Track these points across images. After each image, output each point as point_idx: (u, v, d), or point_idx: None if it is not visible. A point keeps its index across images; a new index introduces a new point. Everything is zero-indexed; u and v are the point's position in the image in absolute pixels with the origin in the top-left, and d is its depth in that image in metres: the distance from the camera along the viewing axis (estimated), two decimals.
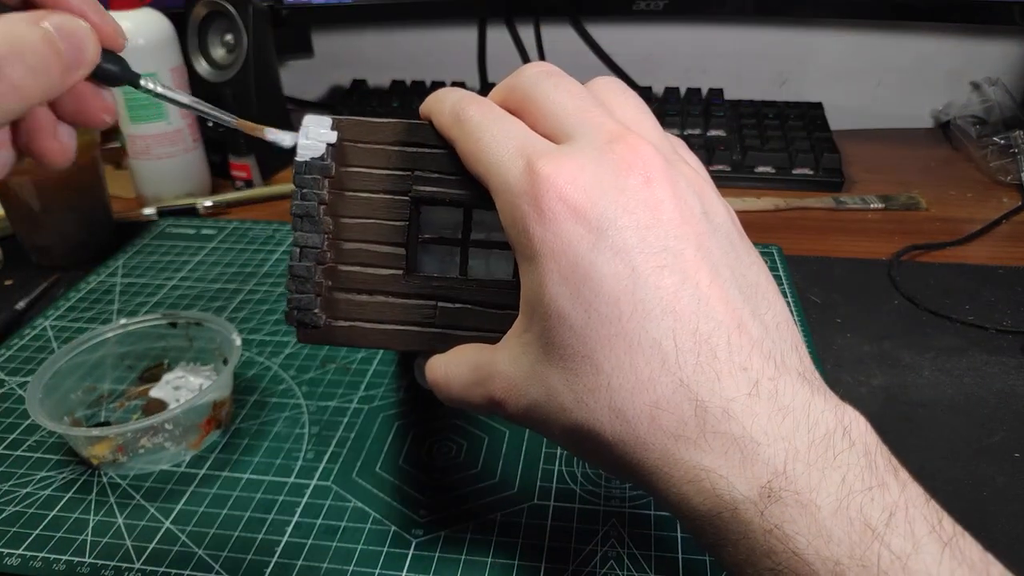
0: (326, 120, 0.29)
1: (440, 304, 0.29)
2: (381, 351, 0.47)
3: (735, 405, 0.22)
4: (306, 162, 0.29)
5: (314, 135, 0.29)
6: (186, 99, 0.29)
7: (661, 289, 0.22)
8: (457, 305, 0.29)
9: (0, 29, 0.22)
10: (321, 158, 0.29)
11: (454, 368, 0.28)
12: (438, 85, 0.84)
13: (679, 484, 0.22)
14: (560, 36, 0.85)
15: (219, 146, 0.71)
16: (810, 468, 0.21)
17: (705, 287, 0.23)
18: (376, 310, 0.30)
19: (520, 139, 0.25)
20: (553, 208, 0.23)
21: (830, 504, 0.21)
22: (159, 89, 0.28)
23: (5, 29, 0.22)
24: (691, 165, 0.26)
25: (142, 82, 0.28)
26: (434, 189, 0.29)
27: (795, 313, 0.48)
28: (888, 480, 0.21)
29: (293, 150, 0.30)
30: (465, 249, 0.30)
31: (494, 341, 0.27)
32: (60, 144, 0.26)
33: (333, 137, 0.29)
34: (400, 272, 0.29)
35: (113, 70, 0.26)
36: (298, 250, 0.29)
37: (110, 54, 0.26)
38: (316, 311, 0.29)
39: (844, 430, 0.22)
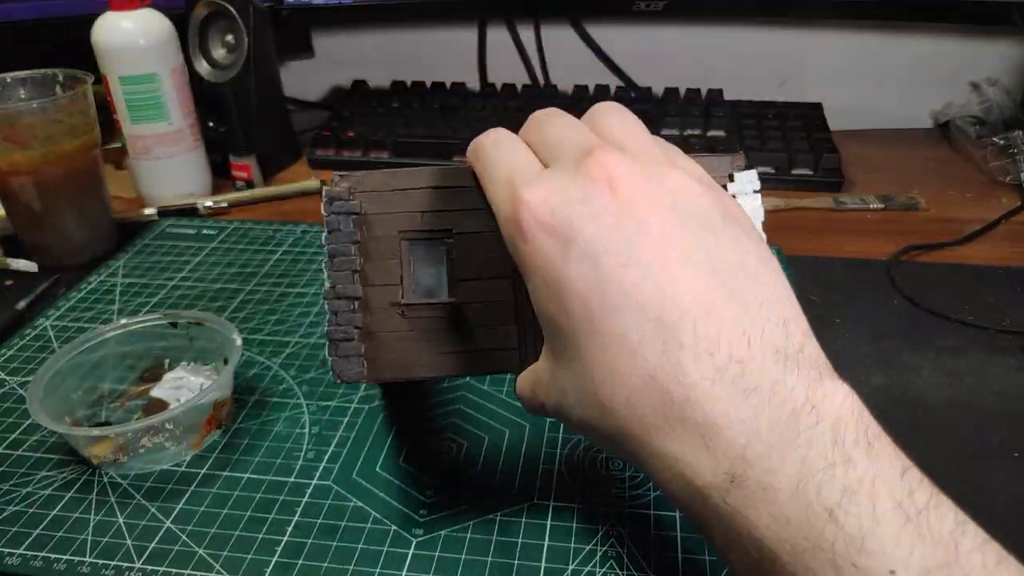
0: (343, 190, 0.31)
1: (447, 327, 0.31)
2: None
3: (697, 392, 0.22)
4: (333, 232, 0.31)
5: (339, 208, 0.30)
6: None
7: (624, 283, 0.23)
8: (456, 327, 0.31)
9: None
10: (349, 233, 0.31)
11: (522, 380, 0.30)
12: (438, 85, 0.84)
13: (659, 472, 0.24)
14: (560, 36, 0.85)
15: (220, 146, 0.71)
16: (771, 449, 0.21)
17: (670, 278, 0.23)
18: (405, 342, 0.31)
19: (511, 167, 0.27)
20: (531, 228, 0.25)
21: (788, 486, 0.21)
22: None
23: None
24: (680, 165, 0.27)
25: None
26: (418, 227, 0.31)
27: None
28: (855, 455, 0.21)
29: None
30: (453, 274, 0.31)
31: (504, 357, 0.31)
32: None
33: (356, 205, 0.31)
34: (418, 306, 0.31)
35: None
36: (334, 316, 0.31)
37: None
38: (361, 367, 0.31)
39: (813, 407, 0.22)
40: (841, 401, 0.22)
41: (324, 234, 0.31)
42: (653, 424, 0.23)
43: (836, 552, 0.20)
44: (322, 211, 0.31)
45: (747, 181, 0.31)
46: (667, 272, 0.23)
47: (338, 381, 0.31)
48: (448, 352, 0.31)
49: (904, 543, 0.19)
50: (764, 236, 0.29)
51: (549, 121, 0.29)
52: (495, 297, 0.31)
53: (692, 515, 0.24)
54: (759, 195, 0.30)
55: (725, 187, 0.30)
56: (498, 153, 0.28)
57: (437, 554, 0.33)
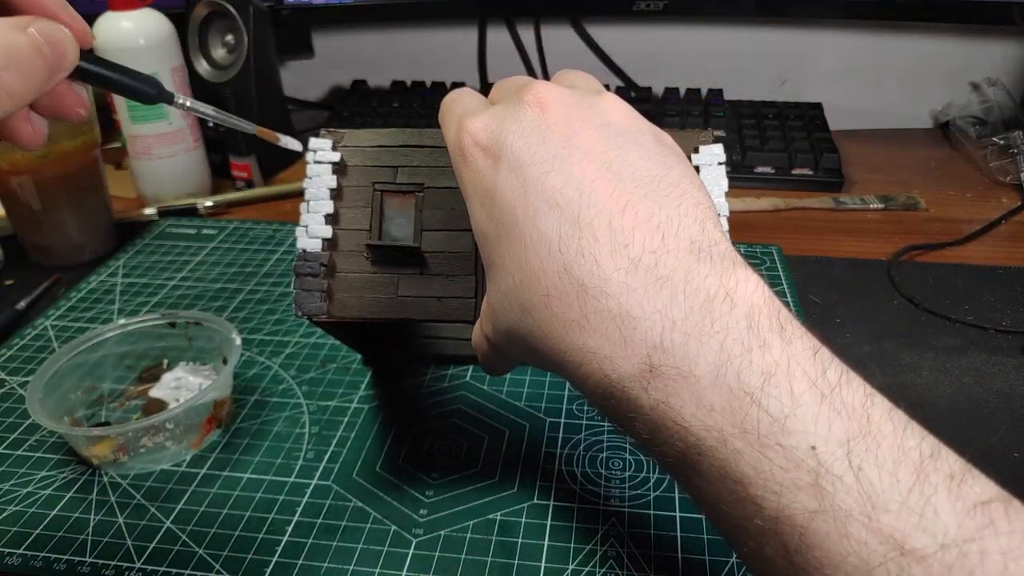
0: (327, 142, 0.34)
1: (404, 273, 0.33)
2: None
3: (611, 284, 0.23)
4: (313, 178, 0.34)
5: (321, 158, 0.34)
6: (210, 111, 0.32)
7: (547, 189, 0.25)
8: (419, 274, 0.33)
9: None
10: (330, 173, 0.34)
11: (475, 328, 0.31)
12: (438, 85, 0.84)
13: (575, 368, 0.24)
14: (560, 36, 0.85)
15: (219, 146, 0.71)
16: (688, 338, 0.22)
17: (589, 181, 0.24)
18: (362, 286, 0.34)
19: (463, 107, 0.30)
20: (470, 150, 0.27)
21: (708, 373, 0.21)
22: (189, 104, 0.31)
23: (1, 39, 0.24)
24: (611, 96, 0.28)
25: (177, 100, 0.30)
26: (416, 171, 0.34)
27: (794, 313, 0.48)
28: (770, 340, 0.22)
29: (298, 153, 0.35)
30: (418, 216, 0.33)
31: (461, 306, 0.33)
32: (33, 128, 0.28)
33: (337, 157, 0.34)
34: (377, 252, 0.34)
35: (146, 91, 0.29)
36: (303, 252, 0.33)
37: (147, 77, 0.29)
38: (321, 302, 0.33)
39: (727, 294, 0.22)
40: (754, 288, 0.22)
41: (305, 179, 0.34)
42: (570, 319, 0.23)
43: (761, 433, 0.20)
44: (305, 159, 0.34)
45: (712, 154, 0.32)
46: (587, 177, 0.25)
47: (298, 315, 0.33)
48: (408, 297, 0.33)
49: (822, 419, 0.20)
50: (726, 207, 0.31)
51: (509, 77, 0.31)
52: (457, 248, 0.33)
53: (612, 412, 0.24)
54: (723, 167, 0.32)
55: (690, 158, 0.32)
56: (455, 102, 0.31)
57: (437, 554, 0.33)
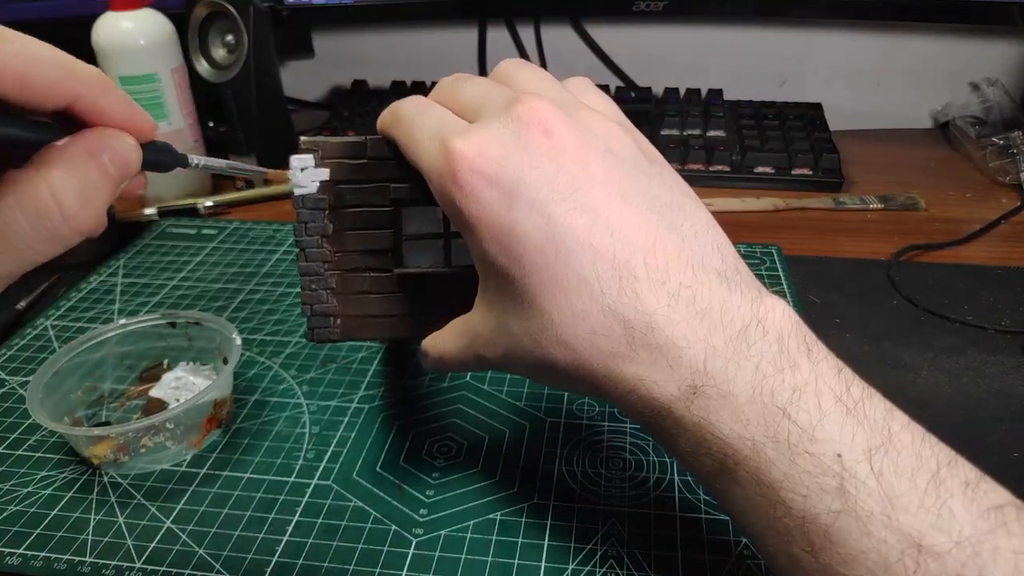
0: (309, 159, 0.32)
1: (428, 294, 0.33)
2: (382, 350, 0.47)
3: (656, 318, 0.24)
4: (302, 197, 0.32)
5: (307, 176, 0.32)
6: (223, 164, 0.32)
7: (576, 229, 0.25)
8: (443, 292, 0.33)
9: (75, 182, 0.23)
10: (315, 194, 0.32)
11: (447, 341, 0.31)
12: None
13: (624, 395, 0.25)
14: (560, 36, 0.85)
15: (220, 146, 0.71)
16: (727, 362, 0.24)
17: (616, 218, 0.25)
18: (377, 306, 0.33)
19: (438, 123, 0.28)
20: (469, 181, 0.26)
21: (745, 392, 0.23)
22: (202, 164, 0.31)
23: (78, 181, 0.23)
24: (596, 108, 0.28)
25: (191, 161, 0.30)
26: (405, 189, 0.32)
27: None
28: (799, 360, 0.24)
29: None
30: (448, 241, 0.33)
31: None
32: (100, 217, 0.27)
33: (325, 174, 0.32)
34: (389, 273, 0.33)
35: (163, 160, 0.28)
36: (307, 280, 0.33)
37: (160, 146, 0.28)
38: (333, 327, 0.33)
39: (759, 322, 0.24)
40: (781, 314, 0.25)
41: (293, 197, 0.32)
42: (616, 352, 0.25)
43: (791, 443, 0.23)
44: (289, 176, 0.32)
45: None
46: (612, 213, 0.25)
47: (311, 341, 0.33)
48: (424, 315, 0.33)
49: (847, 430, 0.22)
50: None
51: (459, 83, 0.30)
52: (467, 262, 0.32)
53: (658, 428, 0.26)
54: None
55: None
56: (419, 117, 0.29)
57: (437, 554, 0.33)
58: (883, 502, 0.21)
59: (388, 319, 0.33)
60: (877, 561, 0.21)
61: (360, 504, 0.36)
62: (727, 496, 0.25)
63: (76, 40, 0.62)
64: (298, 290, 0.53)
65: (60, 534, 0.35)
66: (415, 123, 0.29)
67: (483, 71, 0.88)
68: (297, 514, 0.36)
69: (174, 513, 0.36)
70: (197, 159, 0.30)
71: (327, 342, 0.34)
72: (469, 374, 0.45)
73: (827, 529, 0.22)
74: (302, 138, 0.32)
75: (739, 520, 0.25)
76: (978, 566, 0.20)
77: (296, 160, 0.32)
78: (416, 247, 0.33)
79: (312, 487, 0.37)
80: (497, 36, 0.87)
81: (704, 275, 0.25)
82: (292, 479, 0.38)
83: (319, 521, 0.35)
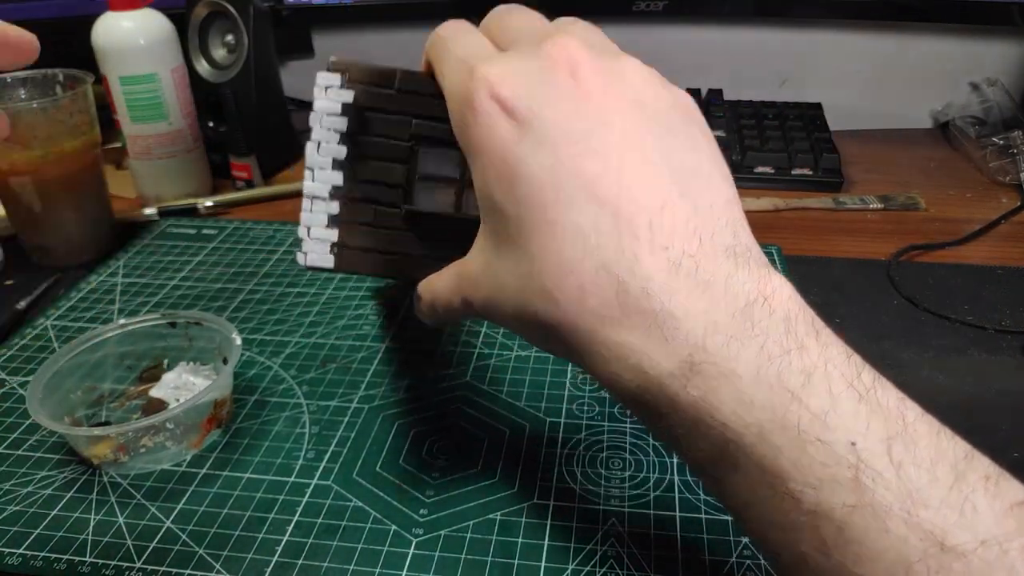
0: (335, 78, 0.31)
1: (433, 237, 0.32)
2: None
3: (653, 284, 0.22)
4: (321, 116, 0.31)
5: (330, 96, 0.31)
6: None
7: (583, 176, 0.23)
8: (447, 237, 0.31)
9: None
10: (335, 114, 0.31)
11: (439, 283, 0.30)
12: None
13: (609, 363, 0.23)
14: None
15: (220, 146, 0.71)
16: (729, 339, 0.22)
17: (628, 172, 0.23)
18: (379, 240, 0.32)
19: (470, 47, 0.27)
20: (485, 106, 0.24)
21: (749, 372, 0.21)
22: None
23: None
24: (632, 60, 0.27)
25: None
26: (428, 126, 0.31)
27: None
28: (807, 343, 0.22)
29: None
30: (462, 188, 0.32)
31: None
32: None
33: (349, 97, 0.31)
34: (398, 209, 0.32)
35: None
36: (310, 201, 0.31)
37: None
38: (329, 248, 0.32)
39: (764, 299, 0.22)
40: (788, 295, 0.23)
41: (311, 115, 0.31)
42: (606, 315, 0.23)
43: (801, 429, 0.21)
44: (314, 95, 0.31)
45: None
46: (625, 167, 0.23)
47: (303, 265, 0.32)
48: (429, 257, 0.32)
49: (861, 418, 0.21)
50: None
51: (509, 12, 0.29)
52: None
53: (645, 407, 0.24)
54: None
55: None
56: (454, 40, 0.28)
57: (437, 554, 0.33)
58: (902, 496, 0.20)
59: (388, 256, 0.32)
60: (896, 561, 0.19)
61: (360, 504, 0.36)
62: (725, 485, 0.23)
63: (76, 40, 0.63)
64: (299, 290, 0.54)
65: (60, 534, 0.35)
66: (448, 45, 0.28)
67: None
68: (297, 514, 0.36)
69: (174, 513, 0.36)
70: None
71: (321, 271, 0.32)
72: (469, 374, 0.45)
73: (841, 525, 0.20)
74: (332, 58, 0.31)
75: (738, 513, 0.23)
76: (1006, 567, 0.18)
77: (322, 78, 0.31)
78: (427, 191, 0.32)
79: (312, 487, 0.37)
80: None
81: (711, 248, 0.23)
82: (292, 479, 0.38)
83: (319, 521, 0.35)
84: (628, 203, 0.23)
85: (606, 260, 0.23)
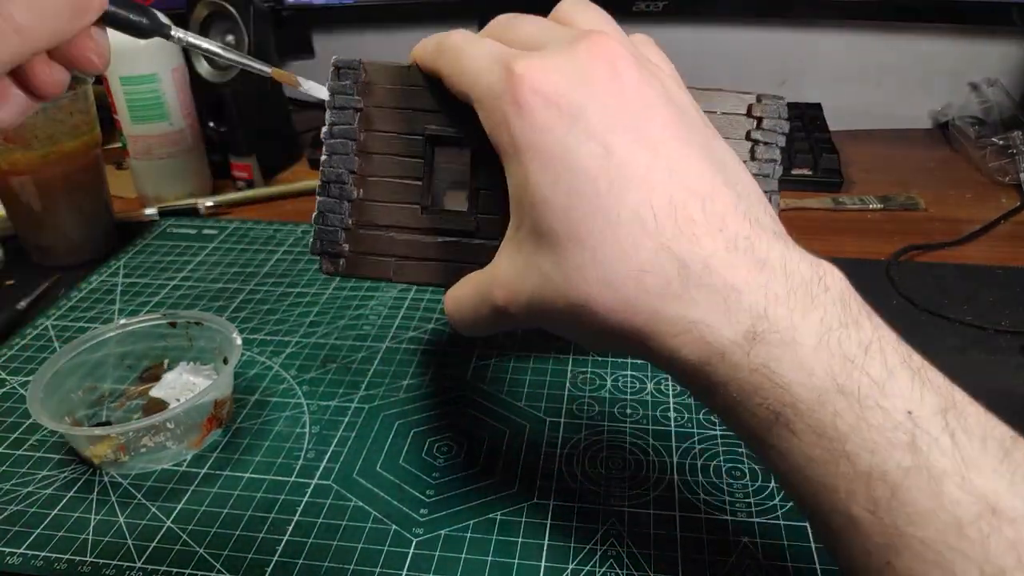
0: (354, 61, 0.31)
1: (455, 239, 0.32)
2: (384, 346, 0.47)
3: (715, 260, 0.23)
4: (335, 101, 0.31)
5: (345, 77, 0.31)
6: (217, 47, 0.30)
7: (635, 164, 0.24)
8: (469, 239, 0.31)
9: None
10: (350, 99, 0.31)
11: (461, 294, 0.29)
12: None
13: (670, 339, 0.24)
14: None
15: (220, 146, 0.71)
16: (791, 311, 0.23)
17: (677, 160, 0.24)
18: (396, 245, 0.32)
19: (497, 50, 0.27)
20: (529, 101, 0.25)
21: (811, 341, 0.22)
22: (189, 39, 0.28)
23: None
24: (655, 61, 0.28)
25: (172, 33, 0.28)
26: (441, 128, 0.31)
27: None
28: (862, 321, 0.23)
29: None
30: (474, 188, 0.32)
31: None
32: (53, 75, 0.26)
33: (359, 103, 0.31)
34: (418, 207, 0.32)
35: (134, 20, 0.26)
36: (327, 184, 0.31)
37: (137, 6, 0.26)
38: (341, 243, 0.32)
39: (819, 279, 0.24)
40: (840, 278, 0.24)
41: (328, 112, 0.31)
42: (666, 292, 0.23)
43: (861, 395, 0.22)
44: (326, 100, 0.31)
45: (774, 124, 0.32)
46: (673, 155, 0.24)
47: (322, 272, 0.32)
48: (448, 261, 0.32)
49: (915, 390, 0.22)
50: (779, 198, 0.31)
51: (516, 20, 0.29)
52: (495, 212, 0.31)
53: (700, 378, 0.24)
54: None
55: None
56: (473, 45, 0.28)
57: (437, 554, 0.33)
58: (956, 461, 0.21)
59: (402, 260, 0.32)
60: (949, 522, 0.20)
61: (360, 504, 0.36)
62: (779, 450, 0.23)
63: None
64: (299, 290, 0.54)
65: (60, 534, 0.35)
66: (466, 52, 0.28)
67: None
68: (297, 514, 0.36)
69: (174, 513, 0.36)
70: (180, 32, 0.28)
71: (332, 256, 0.32)
72: (469, 374, 0.45)
73: (895, 487, 0.21)
74: (336, 58, 0.32)
75: (789, 478, 0.24)
76: None
77: (338, 61, 0.32)
78: (440, 192, 0.32)
79: (312, 487, 0.37)
80: None
81: (761, 230, 0.24)
82: (292, 479, 0.38)
83: (319, 521, 0.35)
84: (681, 189, 0.24)
85: (666, 241, 0.23)
